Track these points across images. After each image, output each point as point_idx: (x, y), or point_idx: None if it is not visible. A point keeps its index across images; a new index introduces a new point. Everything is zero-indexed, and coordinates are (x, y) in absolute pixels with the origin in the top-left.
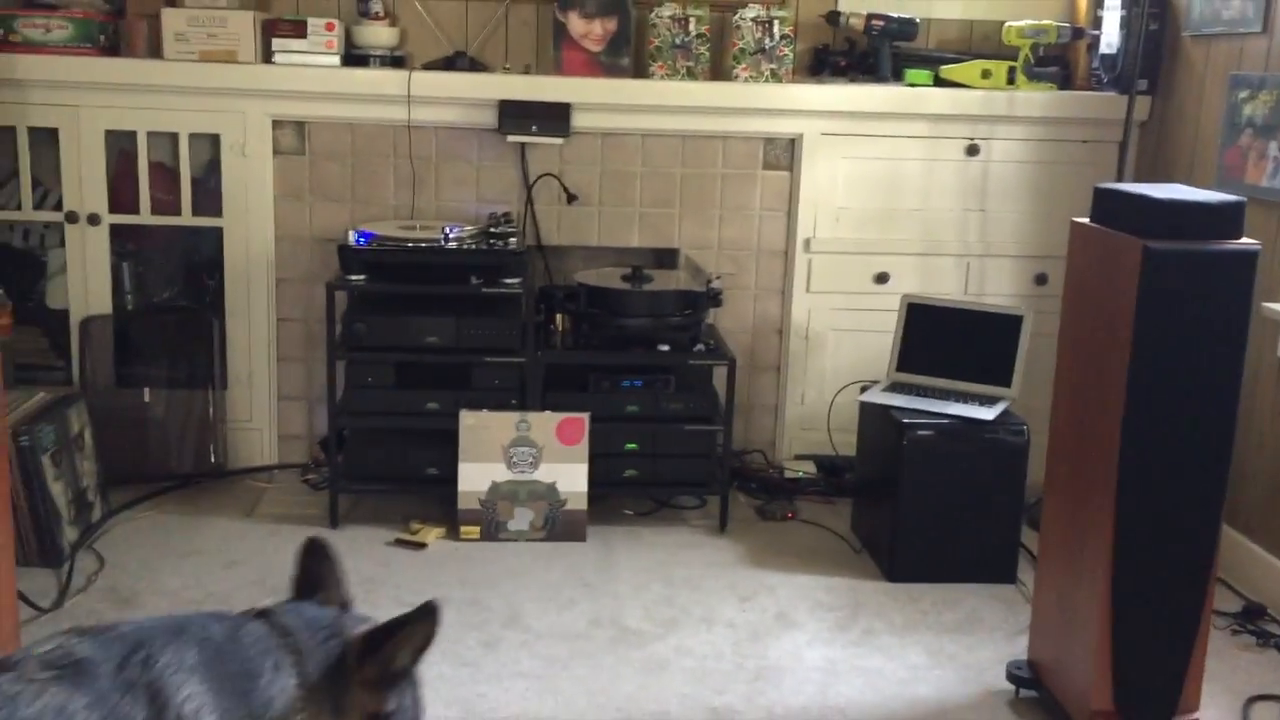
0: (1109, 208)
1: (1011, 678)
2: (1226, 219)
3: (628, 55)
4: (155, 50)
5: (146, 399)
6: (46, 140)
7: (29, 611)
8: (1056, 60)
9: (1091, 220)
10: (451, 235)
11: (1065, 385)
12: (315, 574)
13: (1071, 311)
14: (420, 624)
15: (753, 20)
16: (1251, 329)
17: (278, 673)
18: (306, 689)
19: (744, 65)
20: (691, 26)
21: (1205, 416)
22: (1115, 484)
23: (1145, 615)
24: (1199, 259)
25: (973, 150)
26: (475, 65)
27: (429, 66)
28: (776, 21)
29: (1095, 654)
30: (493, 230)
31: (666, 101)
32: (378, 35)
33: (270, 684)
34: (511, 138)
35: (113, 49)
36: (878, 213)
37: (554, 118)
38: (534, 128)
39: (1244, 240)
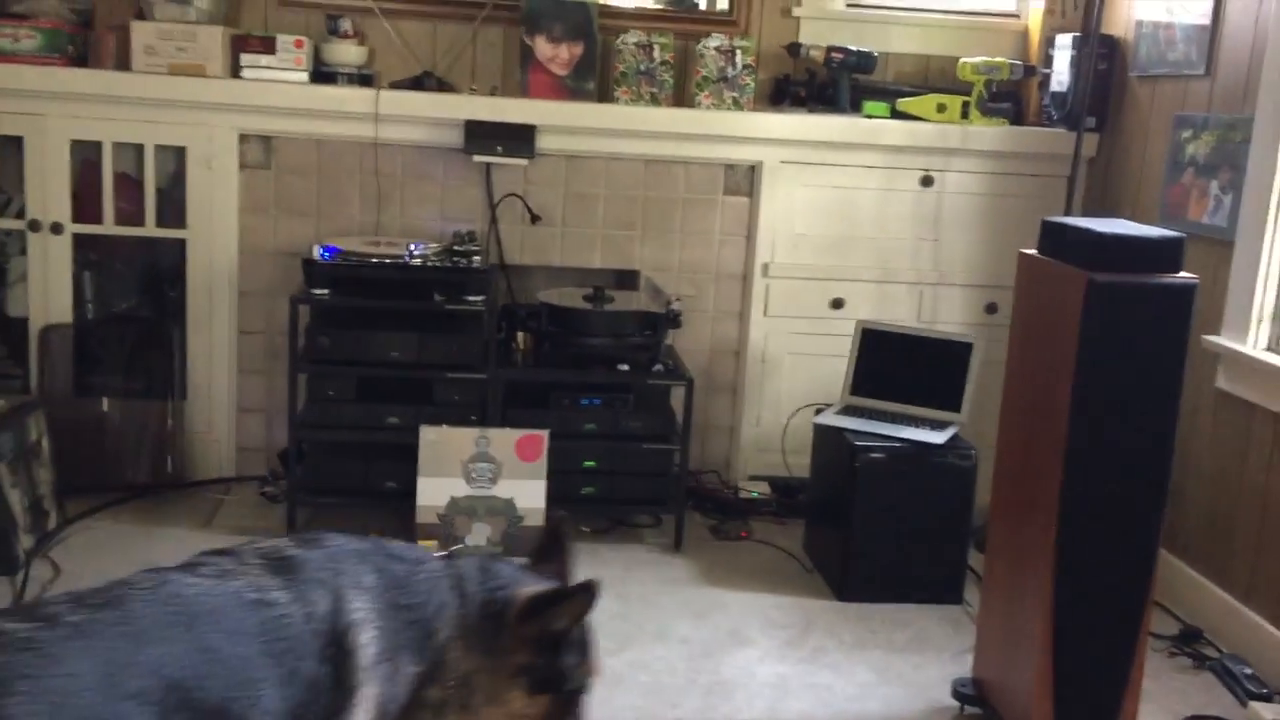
0: (1055, 240)
1: (956, 695)
2: (1167, 254)
3: (593, 80)
4: (123, 62)
5: (105, 408)
6: (11, 149)
7: None
8: (1009, 96)
9: (1039, 252)
10: (416, 252)
11: (1011, 411)
12: (547, 546)
13: (1018, 339)
14: (581, 595)
15: (716, 49)
16: (1191, 360)
17: (440, 610)
18: (463, 629)
19: (707, 93)
20: (656, 53)
21: (1145, 443)
22: (1057, 508)
23: (1085, 635)
24: (1140, 292)
25: (927, 181)
26: (443, 85)
27: (396, 85)
28: (739, 51)
29: (1037, 672)
30: (457, 248)
31: (630, 126)
32: (346, 53)
33: (432, 617)
34: (477, 158)
35: (81, 60)
36: (835, 240)
37: (519, 139)
38: (499, 148)
39: (1183, 274)
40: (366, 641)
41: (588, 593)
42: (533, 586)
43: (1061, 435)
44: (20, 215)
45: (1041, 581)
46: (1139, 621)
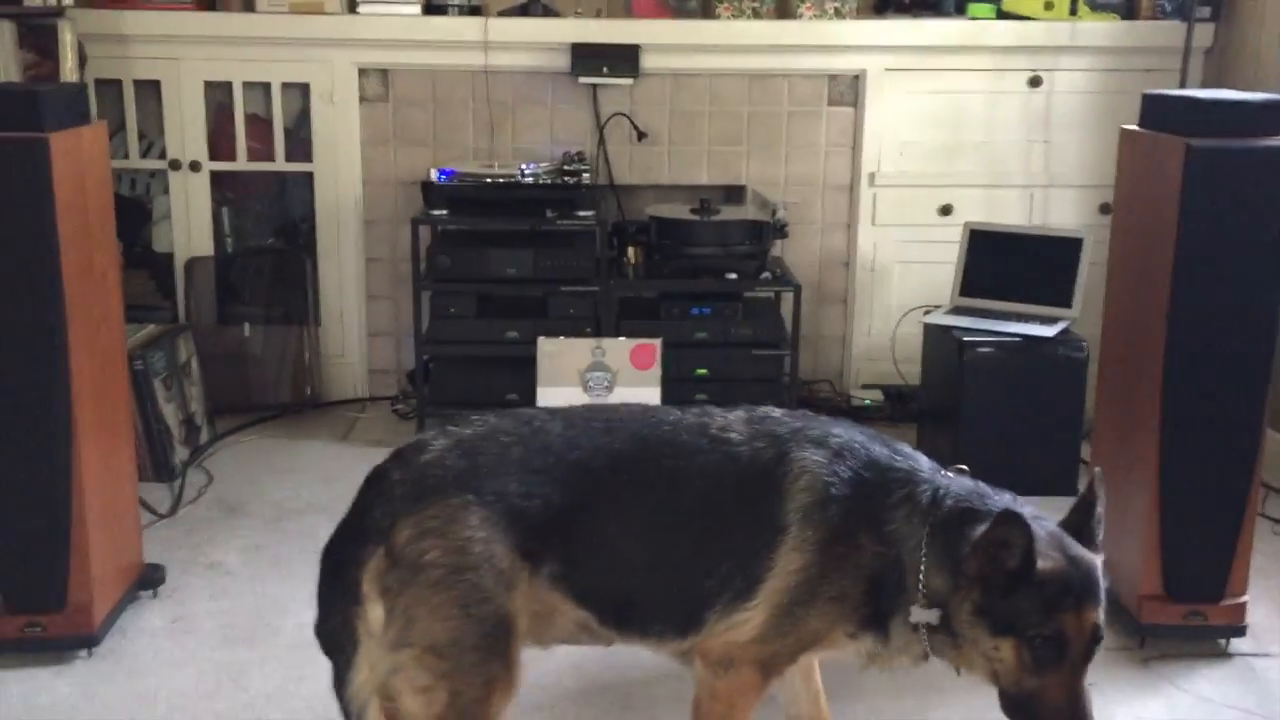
0: (1155, 112)
1: None
2: (1269, 117)
3: None
4: (249, 3)
5: (246, 335)
6: (150, 92)
7: (148, 518)
8: None
9: (1140, 126)
10: (527, 172)
11: (1116, 293)
12: (1080, 502)
13: (1121, 217)
14: (997, 530)
15: None
16: None
17: (909, 501)
18: (927, 524)
19: (808, 4)
20: None
21: (1249, 314)
22: (1161, 383)
23: (1192, 505)
24: (1241, 155)
25: (1035, 82)
26: (548, 11)
27: (504, 13)
28: None
29: (1144, 543)
30: (566, 168)
31: (732, 41)
32: None
33: (895, 506)
34: (583, 79)
35: (209, 3)
36: (942, 146)
37: (624, 59)
38: (605, 69)
39: None
40: (798, 489)
41: (1003, 526)
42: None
43: (1163, 309)
44: (161, 156)
45: (1148, 453)
46: (1246, 488)
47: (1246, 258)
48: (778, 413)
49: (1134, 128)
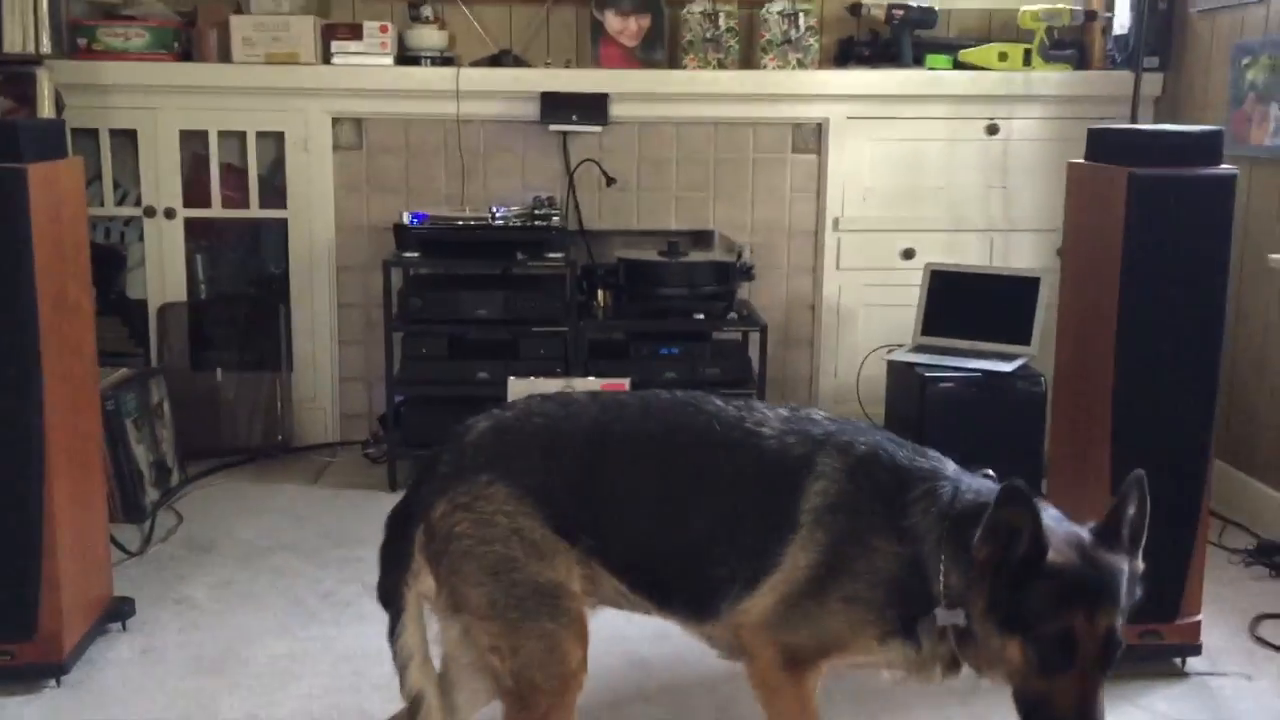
0: (1101, 146)
1: None
2: (1205, 147)
3: (661, 50)
4: (225, 54)
5: (219, 380)
6: (126, 141)
7: (118, 555)
8: (1073, 43)
9: (1086, 159)
10: (499, 215)
11: (1067, 320)
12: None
13: (1070, 249)
14: (997, 512)
15: (779, 14)
16: (1258, 280)
17: (927, 498)
18: (947, 519)
19: (772, 56)
20: (721, 21)
21: (1194, 338)
22: (1110, 409)
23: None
24: (1181, 183)
25: (993, 129)
26: (519, 63)
27: (476, 64)
28: (802, 14)
29: None
30: (537, 212)
31: (698, 90)
32: (429, 37)
33: (913, 502)
34: (553, 127)
35: (186, 54)
36: (903, 191)
37: (593, 108)
38: (574, 117)
39: (1224, 166)
40: (815, 490)
41: (1007, 504)
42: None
43: (1111, 338)
44: (137, 204)
45: (1100, 483)
46: (1196, 516)
47: (1189, 283)
48: (819, 415)
49: (1081, 161)
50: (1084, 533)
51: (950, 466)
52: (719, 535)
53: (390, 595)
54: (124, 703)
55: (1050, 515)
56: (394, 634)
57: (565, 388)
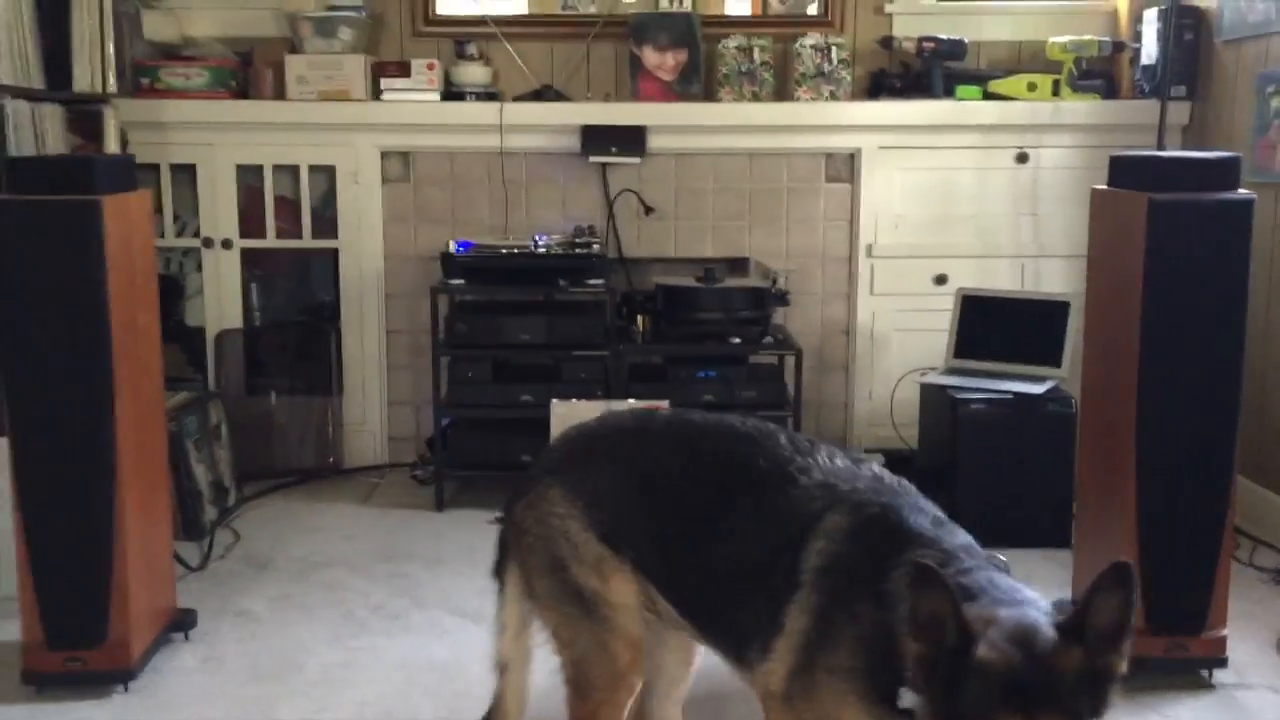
0: (1122, 172)
1: None
2: (1223, 173)
3: (698, 83)
4: (279, 92)
5: (273, 404)
6: (185, 175)
7: (179, 570)
8: (1101, 74)
9: (1109, 186)
10: (541, 244)
11: (1093, 343)
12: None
13: (1095, 270)
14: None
15: (812, 47)
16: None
17: (909, 565)
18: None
19: (805, 88)
20: (756, 55)
21: (1215, 359)
22: (1135, 427)
23: (1170, 545)
24: (1198, 207)
25: (1022, 158)
26: (560, 96)
27: (519, 98)
28: (834, 48)
29: None
30: (578, 240)
31: (734, 122)
32: (473, 74)
33: (897, 565)
34: (593, 159)
35: (242, 93)
36: (935, 219)
37: (631, 140)
38: (613, 149)
39: (1241, 191)
40: (815, 550)
41: (920, 587)
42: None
43: (1134, 358)
44: (195, 235)
45: (1126, 500)
46: (1220, 532)
47: (1209, 304)
48: (871, 470)
49: (1104, 188)
50: (1039, 622)
51: (959, 539)
52: (740, 576)
53: (497, 572)
54: (188, 707)
55: (1005, 598)
56: (497, 607)
57: (607, 410)
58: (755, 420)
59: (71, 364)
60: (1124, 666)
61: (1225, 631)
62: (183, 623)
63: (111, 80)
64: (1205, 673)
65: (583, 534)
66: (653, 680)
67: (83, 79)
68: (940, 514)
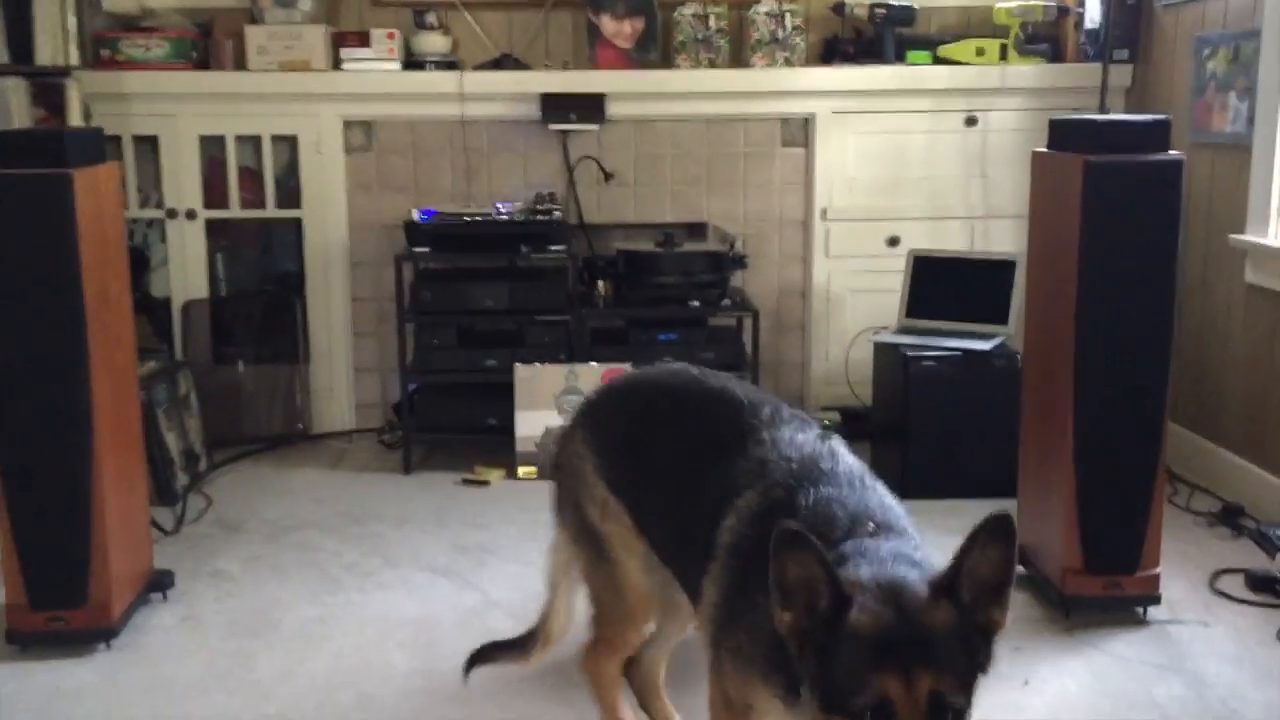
0: (1061, 136)
1: None
2: (1155, 136)
3: (655, 50)
4: (240, 63)
5: (240, 372)
6: (148, 147)
7: (155, 534)
8: (1047, 38)
9: (1048, 149)
10: (503, 211)
11: (1034, 299)
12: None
13: (1035, 230)
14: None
15: (766, 14)
16: (1220, 259)
17: None
18: None
19: (760, 55)
20: (711, 22)
21: (1147, 313)
22: (1073, 378)
23: (1105, 488)
24: (1132, 168)
25: (971, 121)
26: (519, 65)
27: (479, 67)
28: (788, 14)
29: (1064, 522)
30: (539, 207)
31: (691, 89)
32: (433, 43)
33: None
34: (553, 126)
35: (203, 63)
36: (887, 182)
37: (591, 107)
38: (573, 117)
39: (1172, 152)
40: (726, 526)
41: (784, 547)
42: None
43: (1071, 313)
44: (159, 207)
45: (1064, 445)
46: (1153, 476)
47: (1142, 260)
48: (817, 449)
49: (1043, 150)
50: (909, 579)
51: (868, 525)
52: (685, 539)
53: (554, 506)
54: (170, 662)
55: (870, 556)
56: (555, 533)
57: (569, 374)
58: (757, 390)
59: (47, 334)
60: (1005, 619)
61: (1159, 570)
62: (160, 583)
63: (74, 53)
64: (1140, 610)
65: (592, 477)
66: (664, 625)
67: (45, 52)
68: (870, 504)
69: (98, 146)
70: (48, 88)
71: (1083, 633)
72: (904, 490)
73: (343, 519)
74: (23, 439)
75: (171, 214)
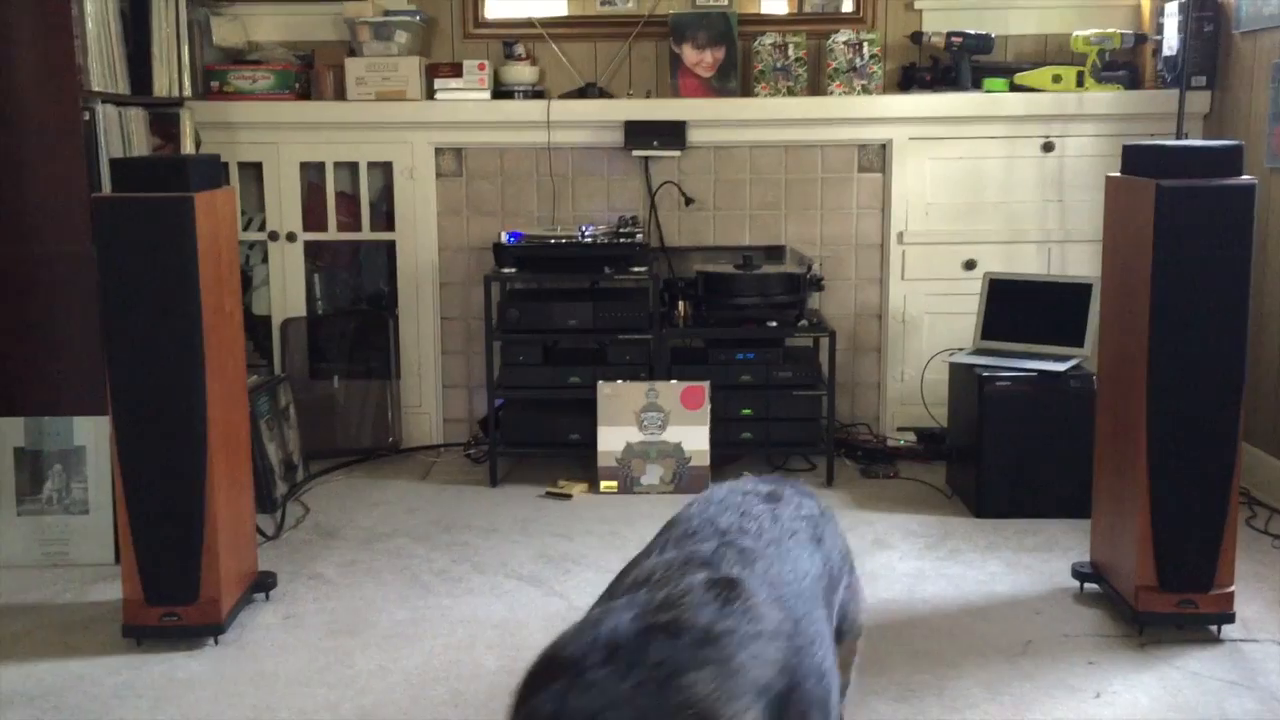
0: (1134, 161)
1: (1076, 575)
2: (1227, 160)
3: (735, 79)
4: (340, 93)
5: (335, 387)
6: (252, 172)
7: (257, 539)
8: (1125, 65)
9: (1121, 174)
10: (587, 234)
11: (1108, 321)
12: None
13: (1109, 255)
14: None
15: (844, 43)
16: None
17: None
18: None
19: (838, 83)
20: (790, 51)
21: (1220, 331)
22: (1145, 399)
23: (1179, 506)
24: (1203, 193)
25: (1048, 147)
26: (604, 93)
27: (565, 96)
28: (866, 43)
29: (1139, 541)
30: (622, 230)
31: (770, 116)
32: (521, 73)
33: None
34: (636, 152)
35: (305, 94)
36: (964, 206)
37: (672, 134)
38: (655, 143)
39: (1244, 177)
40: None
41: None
42: None
43: (1144, 334)
44: (261, 229)
45: (1138, 465)
46: (1227, 494)
47: (1214, 282)
48: (746, 601)
49: (1116, 175)
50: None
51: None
52: None
53: None
54: (273, 657)
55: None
56: None
57: (650, 392)
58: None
59: (168, 345)
60: None
61: (1233, 588)
62: (264, 584)
63: (186, 84)
64: (1214, 628)
65: None
66: None
67: (161, 84)
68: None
69: (216, 172)
70: (163, 117)
71: (1155, 649)
72: (979, 509)
73: (433, 528)
74: (142, 446)
75: (273, 236)
